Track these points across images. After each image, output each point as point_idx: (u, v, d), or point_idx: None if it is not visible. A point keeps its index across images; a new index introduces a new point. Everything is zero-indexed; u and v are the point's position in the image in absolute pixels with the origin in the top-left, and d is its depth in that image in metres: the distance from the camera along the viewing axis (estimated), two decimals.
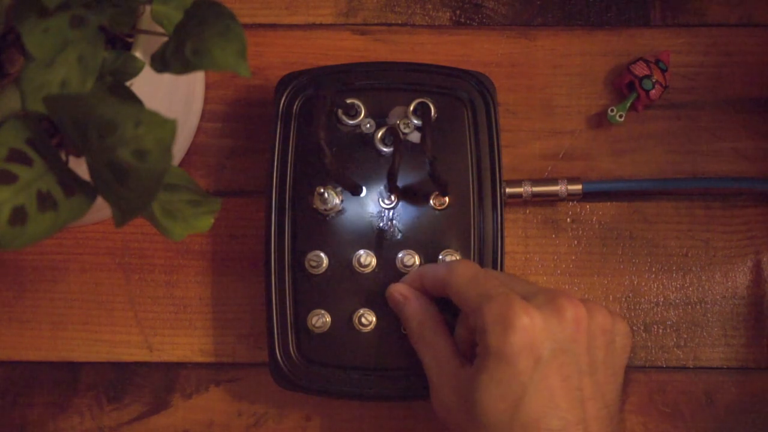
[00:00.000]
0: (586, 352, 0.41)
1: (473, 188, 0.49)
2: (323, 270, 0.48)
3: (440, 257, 0.48)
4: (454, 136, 0.50)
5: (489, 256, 0.48)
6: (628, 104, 0.53)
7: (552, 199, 0.52)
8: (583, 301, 0.42)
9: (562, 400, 0.39)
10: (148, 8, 0.41)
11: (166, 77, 0.37)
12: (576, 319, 0.40)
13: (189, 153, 0.54)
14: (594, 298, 0.52)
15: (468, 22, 0.56)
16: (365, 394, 0.48)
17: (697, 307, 0.53)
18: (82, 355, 0.52)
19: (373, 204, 0.49)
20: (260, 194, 0.52)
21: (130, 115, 0.30)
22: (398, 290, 0.47)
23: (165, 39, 0.37)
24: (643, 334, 0.52)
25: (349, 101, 0.49)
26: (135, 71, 0.40)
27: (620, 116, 0.53)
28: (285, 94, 0.50)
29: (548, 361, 0.39)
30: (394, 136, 0.49)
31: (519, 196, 0.51)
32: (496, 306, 0.40)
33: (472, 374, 0.41)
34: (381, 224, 0.49)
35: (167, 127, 0.30)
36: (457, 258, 0.48)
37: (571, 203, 0.53)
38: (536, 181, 0.52)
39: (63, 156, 0.36)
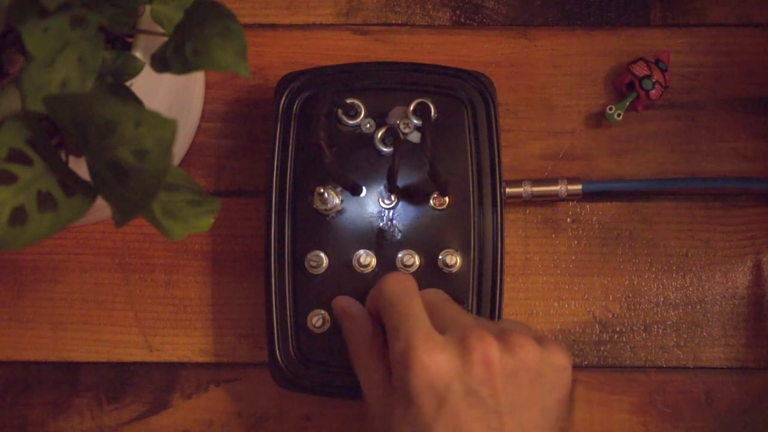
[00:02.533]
0: (503, 392, 0.38)
1: (473, 188, 0.49)
2: (323, 270, 0.48)
3: (440, 257, 0.48)
4: (454, 136, 0.50)
5: (489, 256, 0.48)
6: (627, 103, 0.53)
7: (552, 199, 0.52)
8: (508, 334, 0.40)
9: None
10: (148, 8, 0.41)
11: (166, 77, 0.37)
12: (485, 360, 0.38)
13: (189, 153, 0.54)
14: (594, 298, 0.53)
15: (468, 22, 0.56)
16: None
17: (697, 307, 0.53)
18: (82, 355, 0.52)
19: (373, 204, 0.49)
20: (260, 194, 0.52)
21: (130, 115, 0.30)
22: (340, 305, 0.45)
23: (165, 39, 0.37)
24: (643, 334, 0.52)
25: (349, 101, 0.49)
26: (135, 71, 0.40)
27: (618, 115, 0.53)
28: (285, 94, 0.50)
29: (455, 402, 0.38)
30: (394, 136, 0.49)
31: (519, 196, 0.51)
32: (401, 343, 0.39)
33: (392, 405, 0.40)
34: (381, 224, 0.49)
35: (167, 127, 0.30)
36: (456, 259, 0.48)
37: (571, 203, 0.53)
38: (536, 181, 0.52)
39: (63, 156, 0.36)
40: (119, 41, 0.42)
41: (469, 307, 0.48)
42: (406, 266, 0.48)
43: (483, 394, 0.38)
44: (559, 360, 0.40)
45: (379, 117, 0.50)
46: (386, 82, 0.50)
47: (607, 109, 0.53)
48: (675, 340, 0.52)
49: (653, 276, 0.53)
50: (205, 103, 0.55)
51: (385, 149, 0.49)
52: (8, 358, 0.53)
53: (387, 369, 0.41)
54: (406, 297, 0.41)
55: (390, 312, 0.41)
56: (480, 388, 0.38)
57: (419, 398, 0.38)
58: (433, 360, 0.38)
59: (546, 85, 0.55)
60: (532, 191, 0.51)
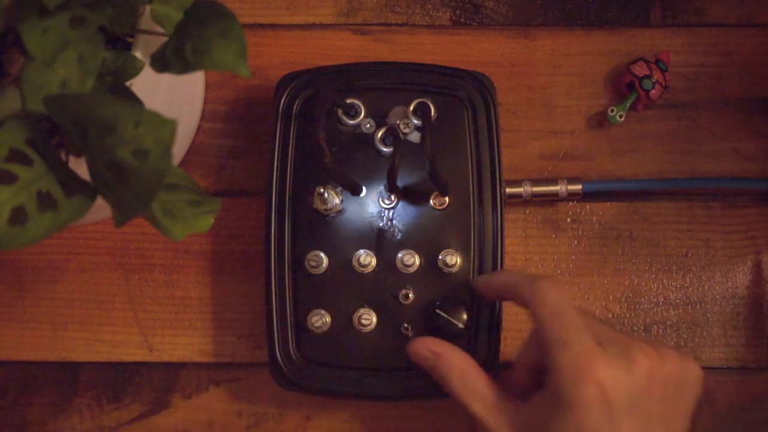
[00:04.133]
0: (659, 403, 0.40)
1: (473, 188, 0.49)
2: (323, 270, 0.48)
3: (440, 257, 0.48)
4: (454, 136, 0.50)
5: (489, 256, 0.48)
6: (629, 104, 0.53)
7: (552, 199, 0.52)
8: (656, 347, 0.41)
9: None
10: (148, 8, 0.41)
11: (166, 77, 0.37)
12: (650, 373, 0.40)
13: (189, 153, 0.54)
14: (594, 298, 0.53)
15: (468, 22, 0.56)
16: (365, 394, 0.48)
17: (697, 307, 0.53)
18: (82, 355, 0.52)
19: (373, 204, 0.49)
20: (260, 194, 0.52)
21: (130, 115, 0.30)
22: (426, 347, 0.46)
23: (165, 39, 0.37)
24: (643, 334, 0.52)
25: (349, 101, 0.49)
26: (135, 71, 0.40)
27: (620, 116, 0.53)
28: (285, 94, 0.50)
29: (620, 415, 0.39)
30: (394, 136, 0.49)
31: (519, 196, 0.52)
32: (572, 356, 0.40)
33: (543, 416, 0.40)
34: (381, 224, 0.49)
35: (167, 127, 0.30)
36: (456, 259, 0.48)
37: (571, 203, 0.53)
38: (536, 181, 0.52)
39: (63, 156, 0.36)
40: (119, 41, 0.42)
41: (470, 308, 0.48)
42: (406, 266, 0.48)
43: (643, 406, 0.40)
44: (695, 372, 0.42)
45: (379, 117, 0.50)
46: (386, 82, 0.50)
47: (609, 110, 0.53)
48: (675, 340, 0.52)
49: (653, 276, 0.53)
50: (205, 103, 0.55)
51: (385, 149, 0.49)
52: (8, 358, 0.53)
53: (499, 388, 0.43)
54: (571, 309, 0.42)
55: (557, 321, 0.41)
56: (641, 400, 0.40)
57: (589, 410, 0.39)
58: (607, 372, 0.39)
59: (546, 85, 0.55)
60: (532, 191, 0.51)
